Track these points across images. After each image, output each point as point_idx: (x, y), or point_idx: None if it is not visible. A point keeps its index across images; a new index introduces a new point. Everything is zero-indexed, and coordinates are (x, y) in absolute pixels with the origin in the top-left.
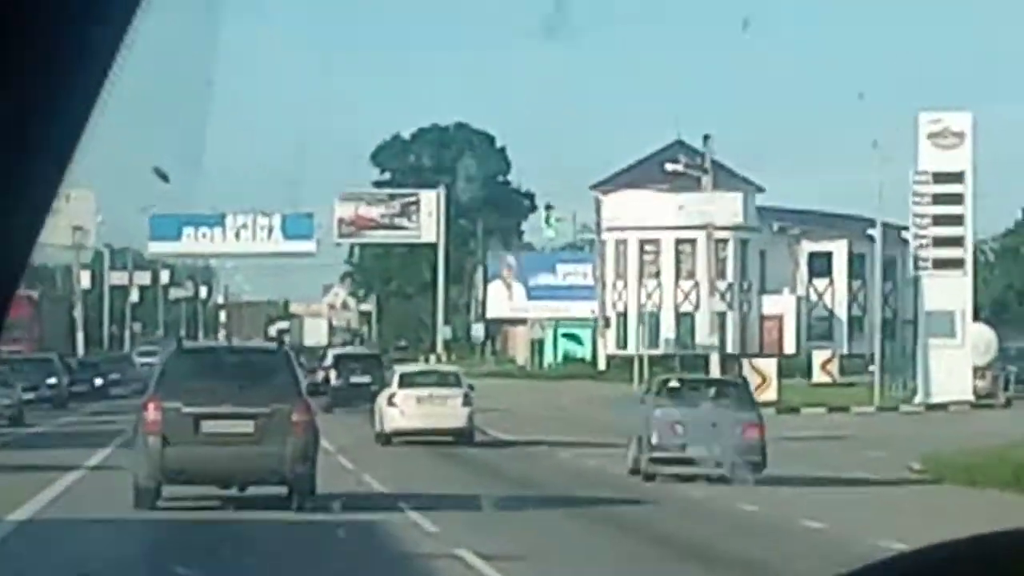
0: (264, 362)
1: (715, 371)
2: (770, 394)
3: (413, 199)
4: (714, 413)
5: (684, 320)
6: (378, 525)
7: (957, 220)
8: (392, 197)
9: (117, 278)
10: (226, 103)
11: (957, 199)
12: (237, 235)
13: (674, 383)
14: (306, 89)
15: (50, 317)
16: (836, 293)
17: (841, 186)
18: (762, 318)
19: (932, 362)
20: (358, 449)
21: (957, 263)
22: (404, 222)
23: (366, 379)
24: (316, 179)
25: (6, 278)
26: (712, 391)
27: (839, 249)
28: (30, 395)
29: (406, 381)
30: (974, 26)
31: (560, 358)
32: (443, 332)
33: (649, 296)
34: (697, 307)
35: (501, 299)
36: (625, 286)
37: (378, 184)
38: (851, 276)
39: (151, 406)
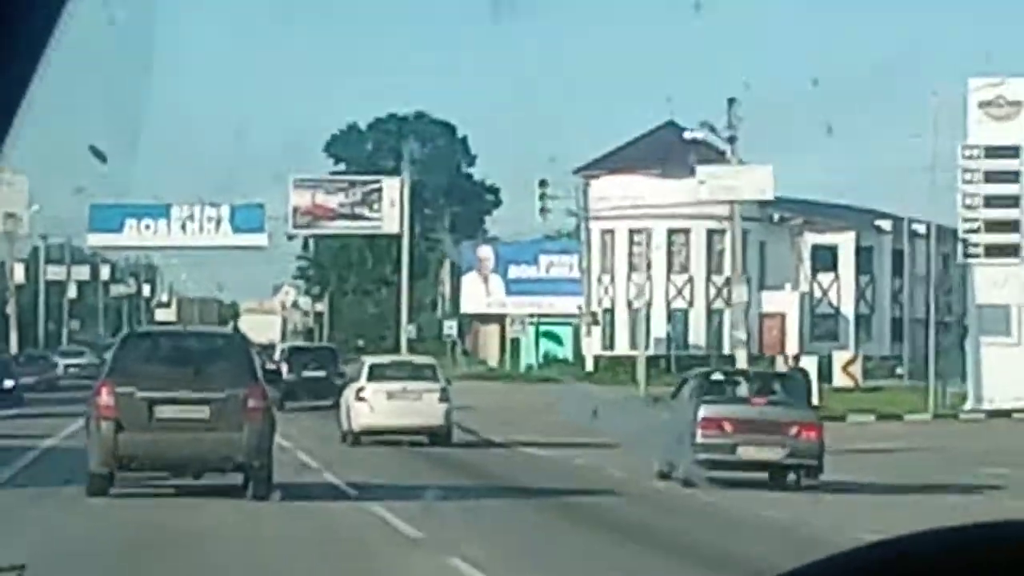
0: (219, 346)
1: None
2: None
3: (375, 187)
4: (767, 410)
5: (677, 317)
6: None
7: (1012, 201)
8: (352, 184)
9: (54, 272)
10: (170, 88)
11: (1012, 177)
12: (183, 227)
13: (718, 376)
14: (255, 75)
15: None
16: (842, 289)
17: (848, 172)
18: (762, 316)
19: (984, 363)
20: (322, 449)
21: (1012, 250)
22: (365, 212)
23: (320, 373)
24: (266, 170)
25: None
26: (762, 386)
27: (845, 242)
28: None
29: (376, 373)
30: None
31: (539, 358)
32: (407, 331)
33: (639, 291)
34: (691, 303)
35: (476, 293)
36: (612, 280)
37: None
38: (858, 271)
39: (104, 390)
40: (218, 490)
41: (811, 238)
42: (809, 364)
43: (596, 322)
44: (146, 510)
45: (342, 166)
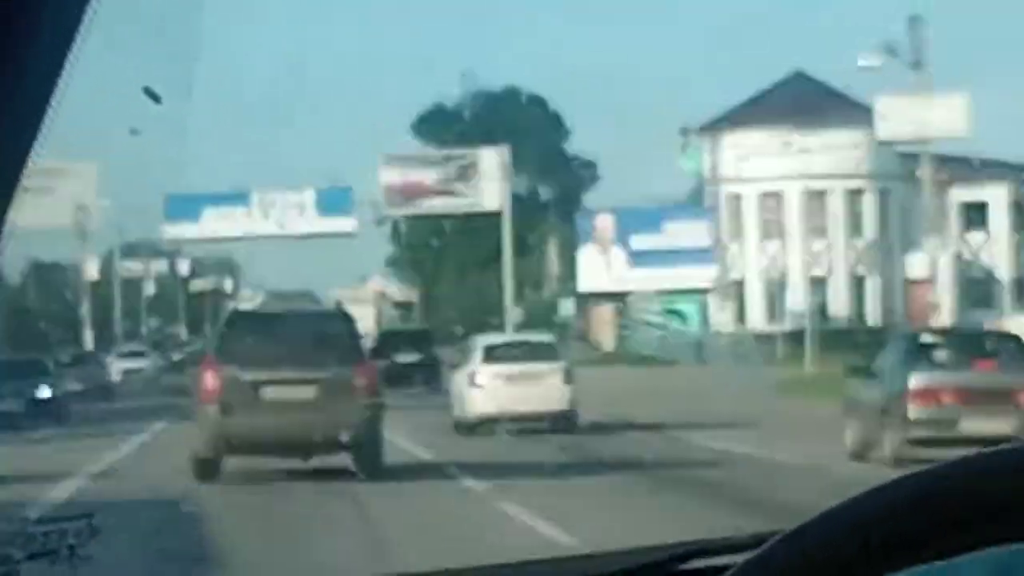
0: (324, 325)
1: None
2: None
3: (471, 160)
4: (993, 377)
5: (817, 288)
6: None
7: None
8: (447, 159)
9: (130, 268)
10: (246, 68)
11: None
12: (265, 214)
13: (928, 338)
14: (332, 59)
15: (49, 314)
16: (995, 250)
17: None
18: (907, 283)
19: None
20: (439, 440)
21: None
22: (462, 187)
23: (415, 357)
24: (351, 154)
25: None
26: (981, 348)
27: (997, 197)
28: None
29: (491, 355)
30: None
31: (662, 338)
32: (513, 313)
33: (773, 260)
34: (831, 271)
35: (596, 268)
36: (742, 248)
37: None
38: (1013, 229)
39: (208, 373)
40: (328, 472)
41: (958, 193)
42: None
43: (731, 295)
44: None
45: (431, 149)
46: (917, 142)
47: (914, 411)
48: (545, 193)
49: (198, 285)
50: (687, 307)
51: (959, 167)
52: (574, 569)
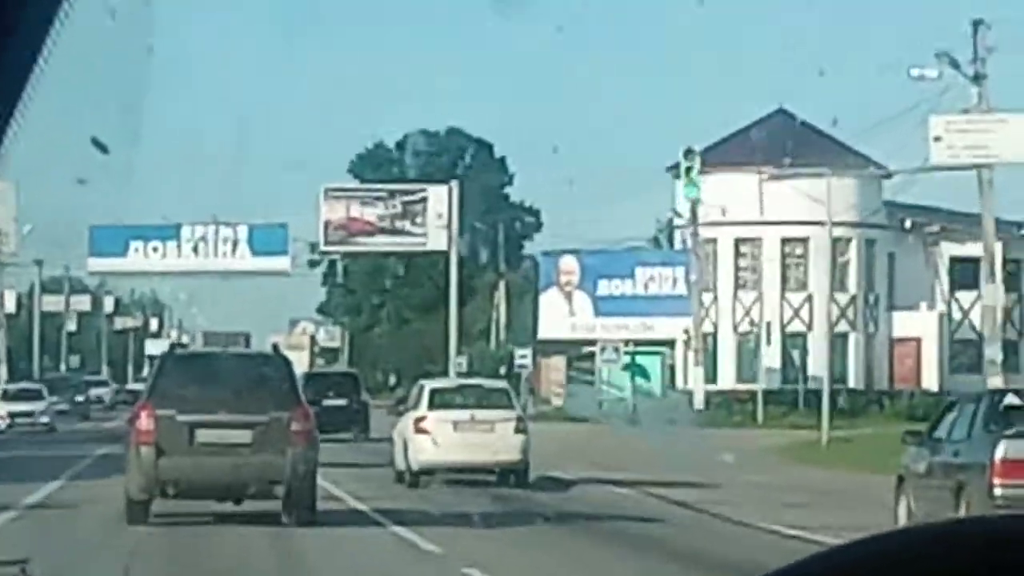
0: (261, 368)
1: None
2: None
3: (419, 197)
4: None
5: (794, 343)
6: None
7: None
8: (392, 195)
9: (51, 303)
10: (182, 104)
11: None
12: (195, 249)
13: (1015, 400)
14: (274, 94)
15: None
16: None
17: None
18: (892, 341)
19: None
20: (377, 492)
21: None
22: (406, 226)
23: (341, 402)
24: (287, 194)
25: None
26: None
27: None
28: None
29: (439, 400)
30: None
31: (621, 394)
32: (457, 364)
33: (747, 312)
34: (810, 327)
35: (558, 314)
36: (716, 299)
37: None
38: (1007, 289)
39: (143, 414)
40: (259, 516)
41: (948, 248)
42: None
43: (705, 348)
44: (186, 537)
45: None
46: (977, 167)
47: (1002, 488)
48: (488, 238)
49: (124, 323)
50: (648, 360)
51: (950, 219)
52: None
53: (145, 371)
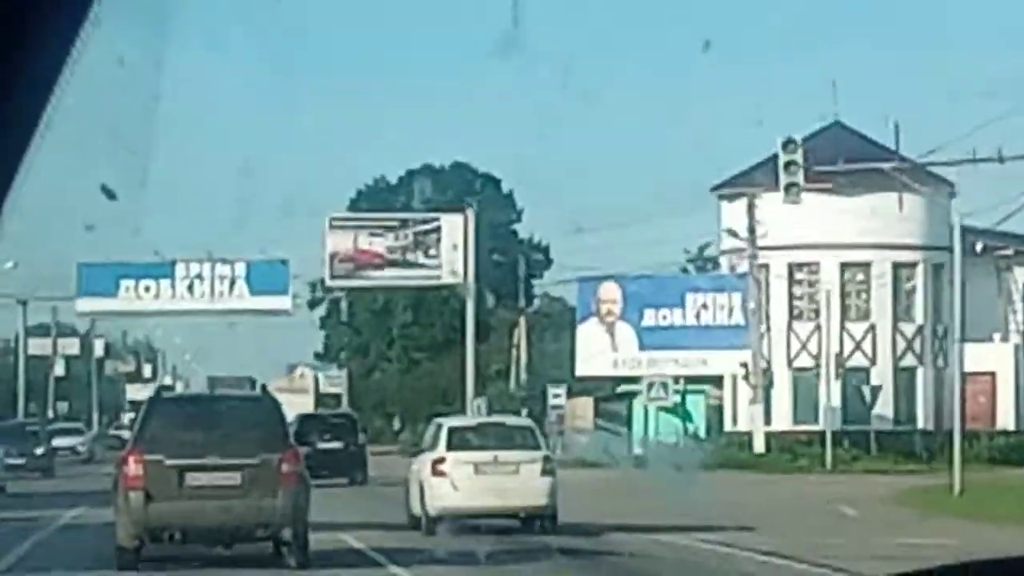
0: (250, 410)
1: None
2: None
3: (432, 227)
4: None
5: (854, 379)
6: None
7: None
8: (403, 224)
9: (37, 346)
10: (179, 140)
11: None
12: (190, 288)
13: None
14: (272, 131)
15: None
16: None
17: None
18: (964, 377)
19: None
20: (397, 541)
21: None
22: (419, 258)
23: (337, 444)
24: (286, 231)
25: None
26: None
27: None
28: None
29: (458, 441)
30: None
31: (658, 436)
32: (475, 407)
33: (803, 345)
34: (874, 360)
35: (598, 348)
36: (767, 330)
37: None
38: None
39: (132, 459)
40: (251, 560)
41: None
42: None
43: (769, 384)
44: None
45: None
46: None
47: None
48: (498, 275)
49: (115, 367)
50: (692, 400)
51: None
52: None
53: (125, 417)
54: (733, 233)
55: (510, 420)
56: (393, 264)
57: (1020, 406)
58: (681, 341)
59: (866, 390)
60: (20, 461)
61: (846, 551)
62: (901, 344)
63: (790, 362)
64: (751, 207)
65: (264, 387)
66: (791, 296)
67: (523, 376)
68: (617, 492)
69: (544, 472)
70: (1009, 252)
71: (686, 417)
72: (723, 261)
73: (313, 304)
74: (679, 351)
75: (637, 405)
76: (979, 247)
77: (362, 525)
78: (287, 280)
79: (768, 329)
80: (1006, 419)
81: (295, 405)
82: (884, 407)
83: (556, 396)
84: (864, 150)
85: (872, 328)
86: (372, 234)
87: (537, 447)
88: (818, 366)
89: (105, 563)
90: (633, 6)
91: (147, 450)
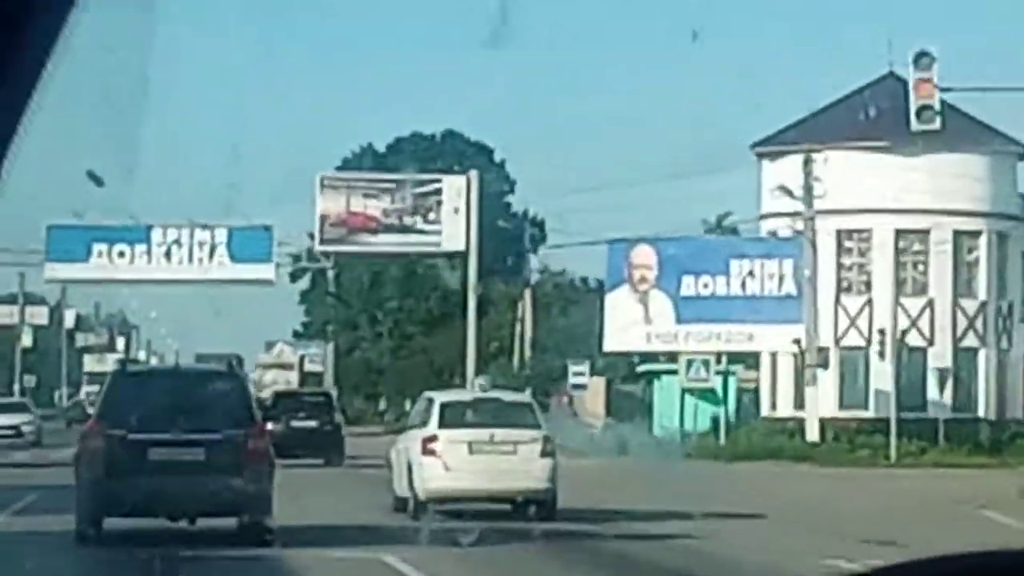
0: (215, 385)
1: None
2: None
3: (432, 188)
4: None
5: (912, 360)
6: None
7: None
8: (401, 185)
9: (2, 314)
10: (166, 108)
11: None
12: (167, 254)
13: None
14: (256, 95)
15: None
16: None
17: None
18: None
19: None
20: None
21: None
22: (418, 223)
23: (312, 424)
24: (272, 201)
25: None
26: None
27: None
28: None
29: (451, 418)
30: None
31: (694, 424)
32: (478, 385)
33: (852, 322)
34: (931, 341)
35: (630, 320)
36: (814, 304)
37: None
38: None
39: (94, 432)
40: (215, 535)
41: None
42: None
43: (824, 364)
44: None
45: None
46: None
47: None
48: (493, 248)
49: (87, 339)
50: (719, 382)
51: None
52: None
53: (83, 391)
54: (787, 191)
55: (507, 396)
56: (389, 229)
57: None
58: (724, 313)
59: (932, 374)
60: None
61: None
62: (962, 322)
63: (837, 340)
64: (808, 162)
65: (230, 362)
66: (839, 266)
67: (527, 353)
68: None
69: (544, 453)
70: None
71: (718, 402)
72: (763, 227)
73: (295, 277)
74: (721, 324)
75: (660, 388)
76: None
77: (336, 507)
78: (271, 248)
79: (814, 303)
80: None
81: (281, 381)
82: (936, 391)
83: (578, 375)
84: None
85: (930, 304)
86: (366, 195)
87: (536, 425)
88: (869, 345)
89: None
90: None
91: (110, 423)
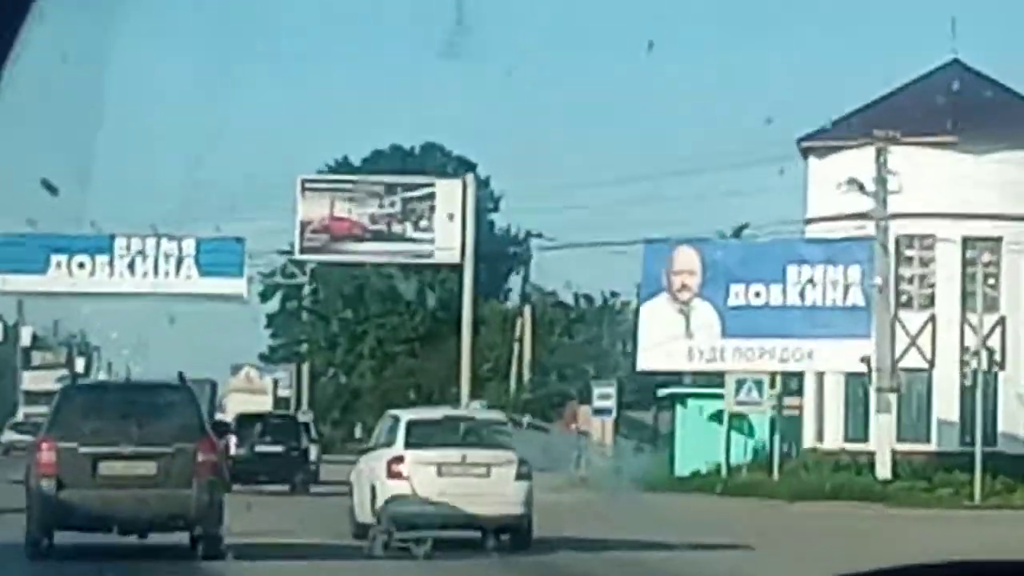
0: (165, 399)
1: None
2: None
3: (425, 192)
4: None
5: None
6: None
7: None
8: (390, 189)
9: None
10: (124, 122)
11: None
12: (131, 267)
13: None
14: (223, 110)
15: None
16: None
17: None
18: None
19: None
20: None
21: None
22: (408, 230)
23: (277, 448)
24: (240, 215)
25: None
26: None
27: None
28: None
29: (419, 436)
30: None
31: (732, 455)
32: (473, 409)
33: (913, 340)
34: (1002, 364)
35: (669, 334)
36: (895, 318)
37: None
38: None
39: (44, 446)
40: (165, 550)
41: None
42: None
43: (897, 388)
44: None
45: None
46: None
47: None
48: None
49: (44, 358)
50: (753, 412)
51: None
52: None
53: (20, 412)
54: (858, 186)
55: (480, 413)
56: (376, 236)
57: None
58: (778, 327)
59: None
60: None
61: None
62: None
63: (894, 362)
64: (880, 153)
65: (181, 375)
66: (898, 278)
67: (526, 375)
68: None
69: (519, 476)
70: None
71: (752, 432)
72: (809, 232)
73: (265, 296)
74: (776, 339)
75: (684, 415)
76: None
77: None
78: (242, 260)
79: (895, 316)
80: None
81: (252, 406)
82: (1009, 423)
83: (603, 398)
84: (995, 95)
85: (1001, 321)
86: (352, 199)
87: (510, 446)
88: (932, 367)
89: None
90: None
91: (60, 437)
